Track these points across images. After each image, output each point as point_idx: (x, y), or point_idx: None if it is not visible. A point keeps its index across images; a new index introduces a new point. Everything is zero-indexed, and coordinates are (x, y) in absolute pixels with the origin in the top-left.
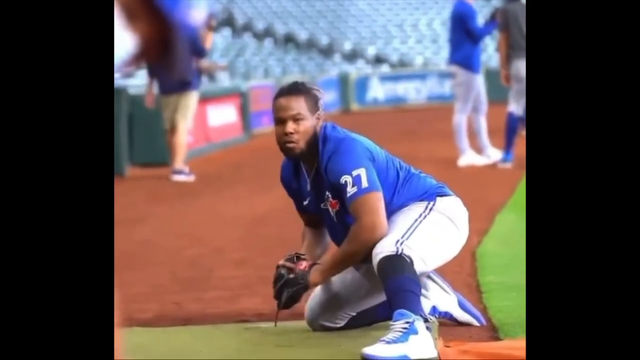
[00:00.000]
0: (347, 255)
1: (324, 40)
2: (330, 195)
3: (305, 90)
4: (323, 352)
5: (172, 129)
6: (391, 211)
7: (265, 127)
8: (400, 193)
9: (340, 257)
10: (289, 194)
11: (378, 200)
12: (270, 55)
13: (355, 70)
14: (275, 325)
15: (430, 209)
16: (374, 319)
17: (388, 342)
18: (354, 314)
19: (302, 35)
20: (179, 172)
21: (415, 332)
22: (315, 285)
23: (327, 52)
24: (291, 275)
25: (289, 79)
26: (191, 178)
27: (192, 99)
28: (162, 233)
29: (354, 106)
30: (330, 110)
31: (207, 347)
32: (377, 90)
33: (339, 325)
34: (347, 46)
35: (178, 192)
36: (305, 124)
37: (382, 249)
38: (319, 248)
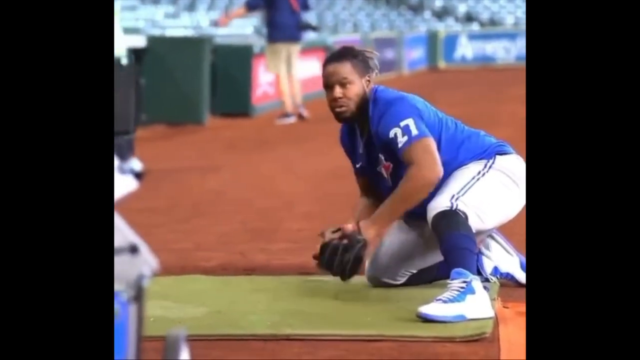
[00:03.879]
0: (403, 195)
1: None
2: (383, 158)
3: (351, 55)
4: (380, 308)
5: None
6: (448, 171)
7: None
8: (457, 153)
9: (394, 198)
10: (347, 155)
11: (431, 144)
12: (359, 10)
13: (445, 27)
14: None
15: (490, 167)
16: (434, 277)
17: (445, 302)
18: (415, 271)
19: None
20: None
21: (473, 292)
22: (373, 237)
23: (417, 8)
24: (345, 241)
25: (377, 35)
26: (292, 119)
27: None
28: (235, 183)
29: (442, 64)
30: (417, 67)
31: (266, 297)
32: (466, 49)
33: (399, 282)
34: (438, 3)
35: (255, 143)
36: (352, 88)
37: (437, 205)
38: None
